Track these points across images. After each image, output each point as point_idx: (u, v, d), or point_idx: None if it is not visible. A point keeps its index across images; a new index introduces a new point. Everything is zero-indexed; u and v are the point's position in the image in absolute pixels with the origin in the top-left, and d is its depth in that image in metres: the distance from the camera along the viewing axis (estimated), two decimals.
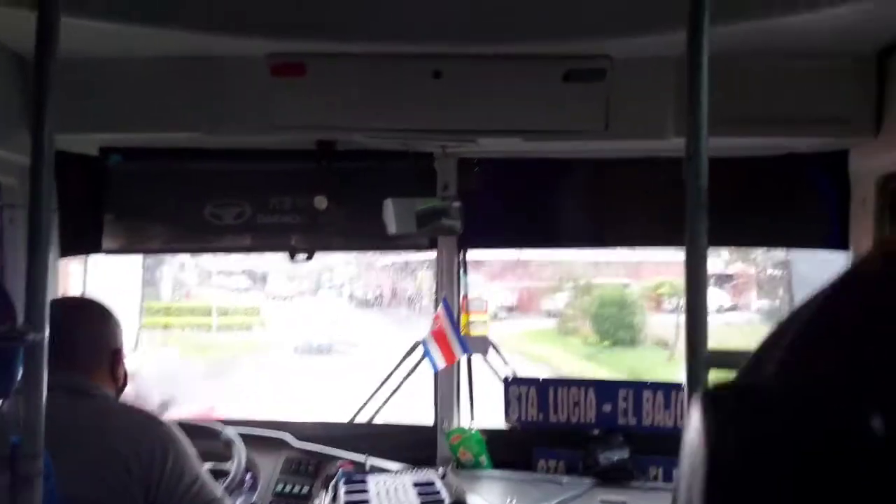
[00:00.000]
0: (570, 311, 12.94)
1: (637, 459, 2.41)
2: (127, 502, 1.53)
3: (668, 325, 11.17)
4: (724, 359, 1.18)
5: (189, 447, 1.63)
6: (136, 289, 2.68)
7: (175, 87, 2.02)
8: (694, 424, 0.38)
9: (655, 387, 2.49)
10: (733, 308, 13.13)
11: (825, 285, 0.38)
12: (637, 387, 2.51)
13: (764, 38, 1.82)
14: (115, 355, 1.73)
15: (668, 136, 1.96)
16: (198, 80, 2.01)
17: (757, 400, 0.37)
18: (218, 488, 1.67)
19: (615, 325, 12.07)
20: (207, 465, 2.06)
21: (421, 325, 2.55)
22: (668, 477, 2.41)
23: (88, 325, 1.71)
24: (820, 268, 2.35)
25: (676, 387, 2.46)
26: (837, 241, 2.17)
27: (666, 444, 2.42)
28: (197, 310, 12.90)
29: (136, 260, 2.67)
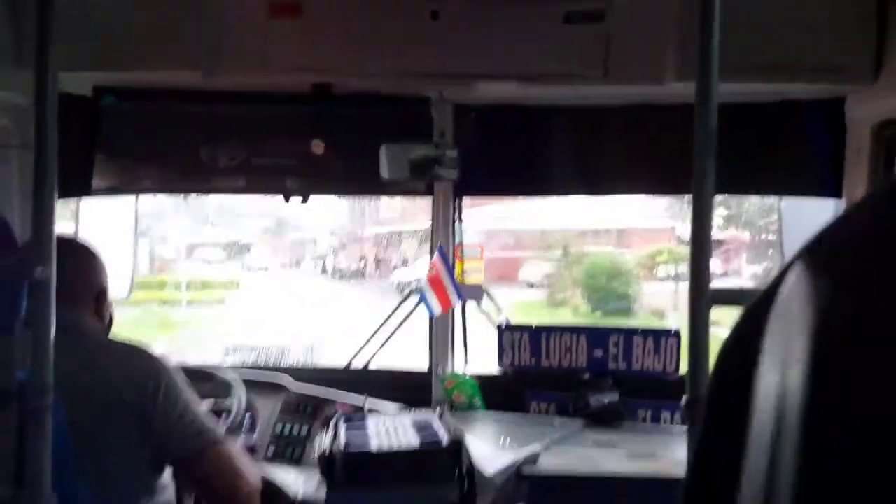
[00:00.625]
0: (558, 281, 12.12)
1: (626, 402, 2.46)
2: (125, 431, 1.56)
3: (664, 293, 10.70)
4: (728, 296, 1.21)
5: (181, 379, 1.66)
6: (128, 242, 2.66)
7: (171, 27, 1.97)
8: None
9: (646, 333, 2.54)
10: (724, 275, 12.90)
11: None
12: (628, 333, 2.55)
13: None
14: (101, 295, 1.75)
15: (669, 81, 1.95)
16: (194, 21, 1.96)
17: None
18: (212, 419, 1.71)
19: (608, 294, 11.38)
20: (207, 403, 2.09)
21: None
22: (655, 419, 2.47)
23: (74, 263, 1.71)
24: (811, 222, 2.38)
25: (666, 333, 2.50)
26: (832, 189, 2.19)
27: (654, 387, 2.48)
28: (170, 284, 12.06)
29: (127, 218, 2.65)
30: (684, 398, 1.21)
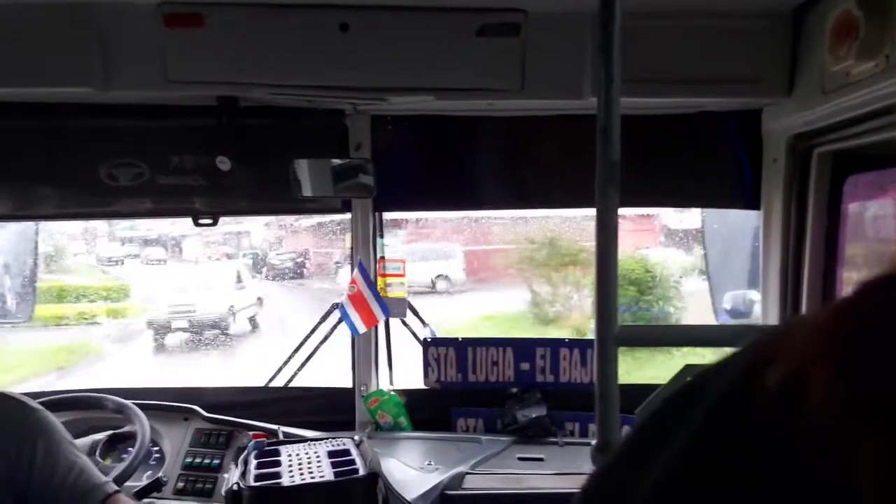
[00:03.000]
0: (546, 289, 8.32)
1: (554, 416, 2.44)
2: None
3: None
4: (636, 336, 1.16)
5: (62, 433, 1.49)
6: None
7: (58, 37, 1.83)
8: None
9: (572, 344, 2.52)
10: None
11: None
12: (554, 344, 2.53)
13: None
14: None
15: (586, 96, 1.91)
16: (83, 31, 1.82)
17: None
18: (99, 475, 1.55)
19: (637, 312, 7.34)
20: (104, 435, 1.96)
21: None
22: (584, 432, 2.46)
23: None
24: (731, 224, 2.39)
25: (591, 343, 2.48)
26: (749, 200, 2.19)
27: (582, 399, 2.45)
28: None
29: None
30: (593, 443, 1.16)
